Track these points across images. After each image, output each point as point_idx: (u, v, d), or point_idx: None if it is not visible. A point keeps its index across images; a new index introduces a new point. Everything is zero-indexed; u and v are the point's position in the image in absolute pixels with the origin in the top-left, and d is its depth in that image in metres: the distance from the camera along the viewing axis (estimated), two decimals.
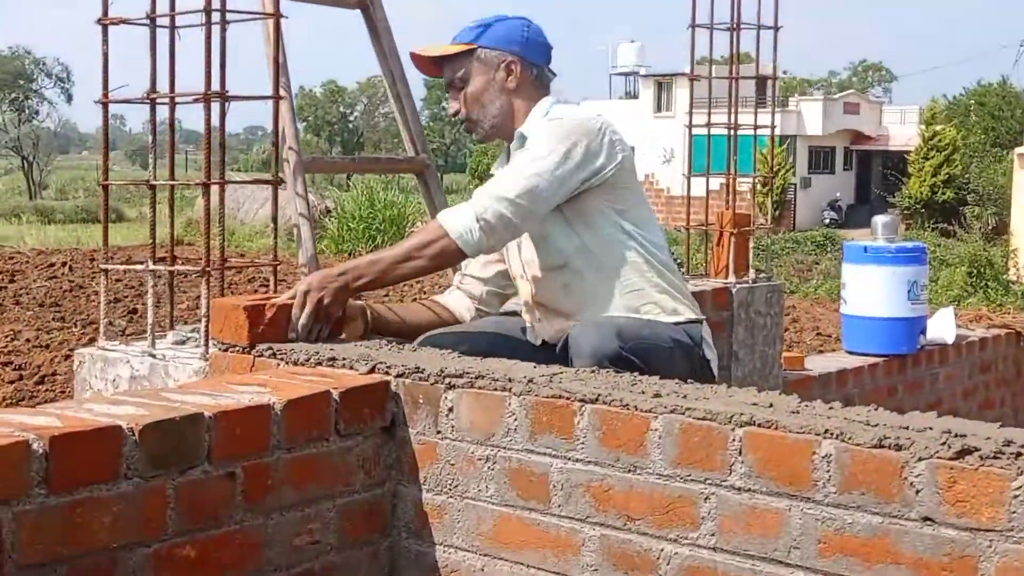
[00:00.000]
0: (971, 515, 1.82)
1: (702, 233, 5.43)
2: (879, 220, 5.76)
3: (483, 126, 3.11)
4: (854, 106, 44.80)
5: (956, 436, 1.85)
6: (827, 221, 39.70)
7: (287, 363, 2.68)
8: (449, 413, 2.41)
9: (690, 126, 5.29)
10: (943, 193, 37.27)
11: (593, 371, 2.40)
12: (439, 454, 2.44)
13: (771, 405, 2.10)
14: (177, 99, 3.19)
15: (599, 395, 2.21)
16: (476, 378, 2.38)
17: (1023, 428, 1.89)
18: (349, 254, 18.42)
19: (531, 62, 3.09)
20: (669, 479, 2.13)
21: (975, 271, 17.19)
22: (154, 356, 3.12)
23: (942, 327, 6.08)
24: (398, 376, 2.49)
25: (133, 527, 2.07)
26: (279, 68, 3.40)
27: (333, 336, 2.83)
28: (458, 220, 2.87)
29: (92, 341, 8.73)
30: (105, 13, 3.19)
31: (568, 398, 2.25)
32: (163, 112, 3.26)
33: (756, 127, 5.31)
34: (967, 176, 36.75)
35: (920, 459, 1.86)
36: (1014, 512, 1.78)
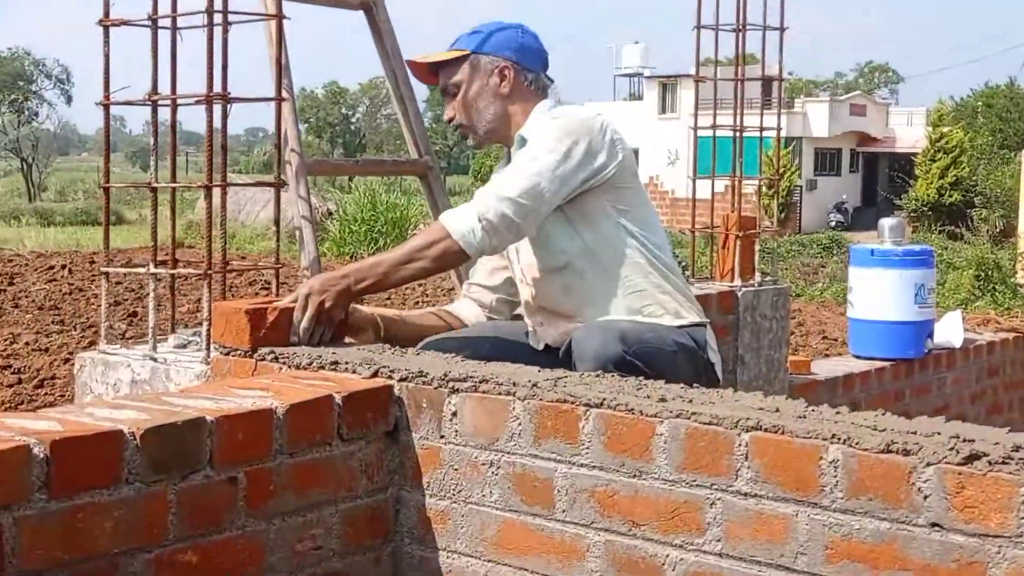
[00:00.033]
0: (979, 521, 1.80)
1: (707, 236, 5.42)
2: (886, 223, 5.74)
3: (478, 131, 3.12)
4: (860, 108, 44.73)
5: (964, 441, 1.84)
6: (833, 223, 39.65)
7: (289, 367, 2.66)
8: (453, 417, 2.40)
9: (695, 128, 5.27)
10: (950, 195, 37.20)
11: (598, 375, 2.39)
12: (442, 459, 2.42)
13: (777, 410, 2.08)
14: (179, 101, 3.18)
15: (604, 399, 2.19)
16: (480, 382, 2.36)
17: None
18: (351, 257, 18.42)
19: (526, 68, 3.10)
20: (674, 484, 2.11)
21: (983, 274, 17.14)
22: (155, 360, 3.11)
23: (950, 331, 6.06)
24: (401, 380, 2.47)
25: (134, 532, 2.05)
26: (281, 69, 3.39)
27: (335, 340, 2.82)
28: (460, 221, 2.85)
29: (92, 344, 8.73)
30: (106, 14, 3.19)
31: (573, 402, 2.23)
32: (164, 114, 3.25)
33: (762, 129, 5.29)
34: (974, 178, 36.69)
35: (928, 464, 1.85)
36: (1023, 518, 1.76)
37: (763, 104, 5.61)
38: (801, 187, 40.19)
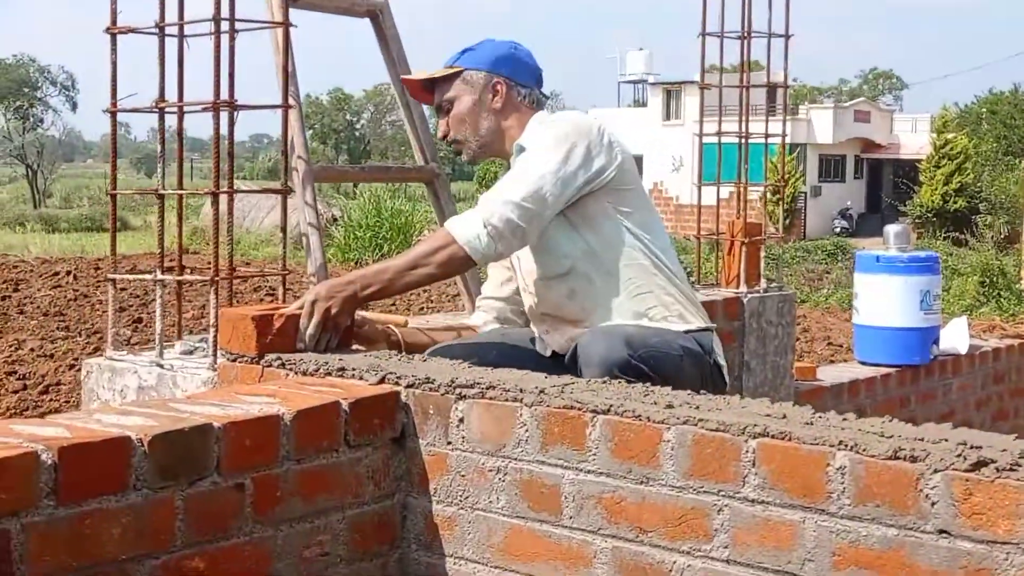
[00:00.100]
0: (987, 528, 1.80)
1: (712, 242, 5.42)
2: (891, 229, 5.73)
3: (471, 147, 3.14)
4: (865, 114, 44.70)
5: (972, 448, 1.84)
6: (838, 230, 39.60)
7: (296, 373, 2.67)
8: (460, 424, 2.40)
9: (700, 135, 5.28)
10: (955, 202, 37.17)
11: (605, 381, 2.39)
12: (449, 465, 2.42)
13: (784, 416, 2.08)
14: (185, 108, 3.18)
15: (611, 406, 2.19)
16: (487, 389, 2.36)
17: None
18: (356, 263, 18.43)
19: (519, 83, 3.12)
20: (682, 491, 2.11)
21: (987, 280, 17.12)
22: (162, 366, 3.11)
23: (955, 337, 6.05)
24: (408, 387, 2.48)
25: (142, 538, 2.05)
26: (288, 77, 3.40)
27: (342, 346, 2.82)
28: (466, 227, 2.86)
29: (96, 350, 8.75)
30: (114, 22, 3.19)
31: (580, 409, 2.23)
32: (170, 121, 3.25)
33: (767, 135, 5.29)
34: (979, 185, 36.65)
35: (936, 471, 1.84)
36: None
37: (768, 111, 5.60)
38: (805, 193, 40.13)
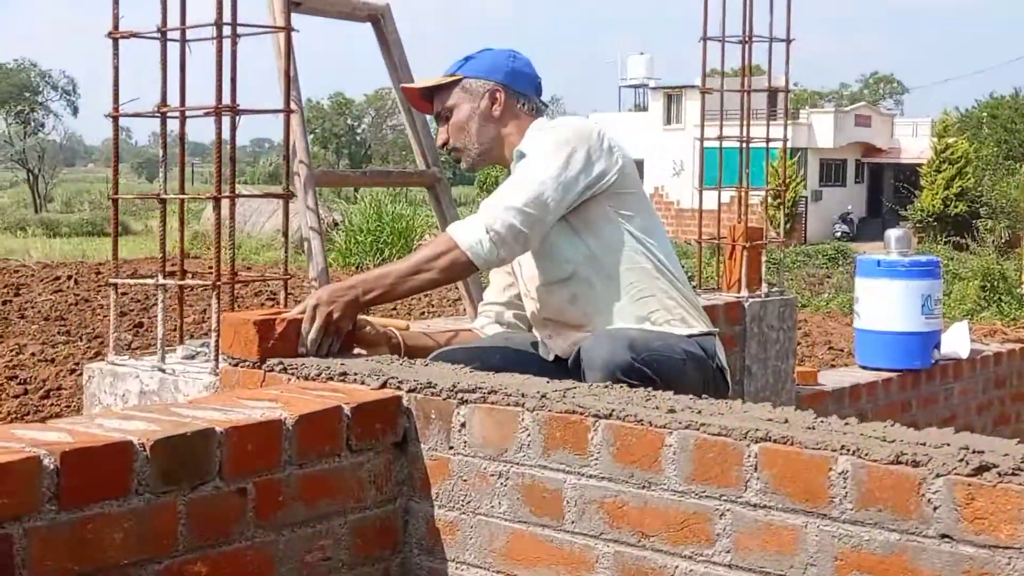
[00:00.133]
0: (990, 532, 1.80)
1: (713, 246, 5.42)
2: (892, 234, 5.74)
3: (470, 154, 3.15)
4: (865, 119, 44.70)
5: (974, 452, 1.84)
6: (838, 234, 39.60)
7: (298, 378, 2.67)
8: (461, 428, 2.40)
9: (701, 139, 5.28)
10: (955, 206, 37.17)
11: (607, 386, 2.39)
12: (451, 470, 2.42)
13: (786, 421, 2.08)
14: (188, 113, 3.18)
15: (613, 410, 2.19)
16: (489, 393, 2.36)
17: None
18: (357, 267, 18.44)
19: (517, 91, 3.14)
20: (684, 495, 2.11)
21: (988, 285, 17.11)
22: (164, 371, 3.11)
23: (956, 341, 6.05)
24: (410, 391, 2.48)
25: (144, 543, 2.05)
26: (290, 81, 3.40)
27: (344, 351, 2.82)
28: (468, 232, 2.86)
29: (97, 355, 8.76)
30: (116, 27, 3.19)
31: (582, 413, 2.23)
32: (172, 125, 3.26)
33: (768, 140, 5.30)
34: (980, 189, 36.63)
35: (938, 475, 1.84)
36: None
37: (769, 115, 5.61)
38: (806, 198, 40.14)
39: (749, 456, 2.03)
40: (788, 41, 5.19)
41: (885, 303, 5.57)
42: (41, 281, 13.98)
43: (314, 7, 3.94)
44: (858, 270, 5.81)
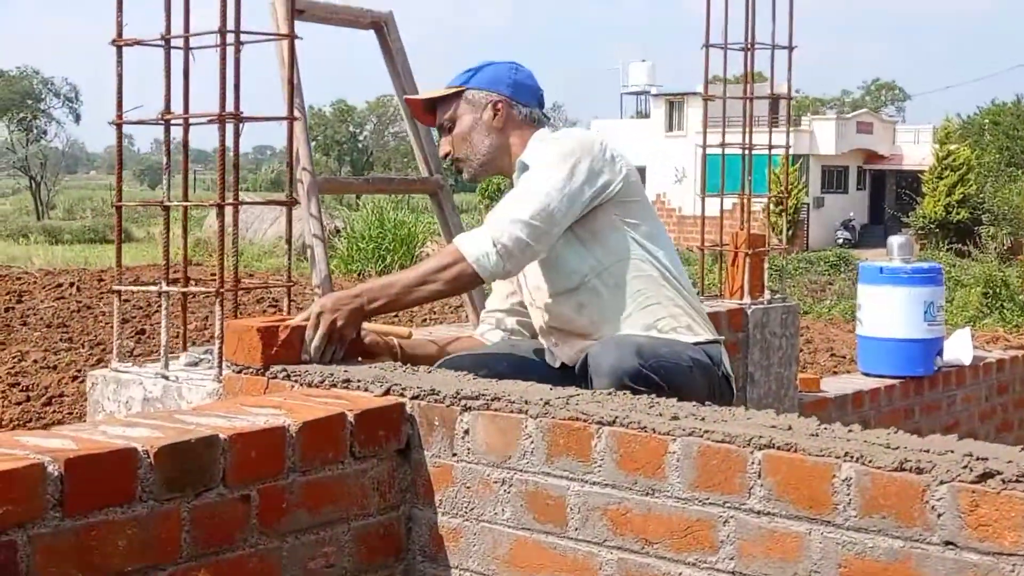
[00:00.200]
0: (994, 539, 1.80)
1: (715, 253, 5.42)
2: (895, 240, 5.73)
3: (472, 165, 3.17)
4: (867, 125, 44.74)
5: (978, 459, 1.84)
6: (840, 241, 39.61)
7: (301, 385, 2.67)
8: (465, 435, 2.40)
9: (704, 146, 5.28)
10: (957, 213, 37.18)
11: (610, 393, 2.39)
12: (455, 477, 2.42)
13: (790, 427, 2.08)
14: (191, 120, 3.19)
15: (616, 417, 2.19)
16: (492, 400, 2.36)
17: None
18: (359, 274, 18.45)
19: (519, 102, 3.15)
20: (687, 502, 2.11)
21: (991, 292, 17.12)
22: (167, 378, 3.11)
23: (959, 348, 6.05)
24: (413, 398, 2.48)
25: (148, 550, 2.05)
26: (293, 89, 3.41)
27: (347, 358, 2.82)
28: (475, 244, 2.87)
29: (100, 362, 8.76)
30: (120, 34, 3.20)
31: (585, 420, 2.23)
32: (175, 132, 3.26)
33: (770, 147, 5.30)
34: (982, 196, 36.66)
35: (942, 482, 1.84)
36: None
37: (771, 122, 5.61)
38: (808, 204, 40.16)
39: (753, 463, 2.03)
40: (790, 48, 5.19)
41: (888, 310, 5.57)
42: (43, 288, 13.99)
43: (317, 15, 3.95)
44: (860, 277, 5.81)
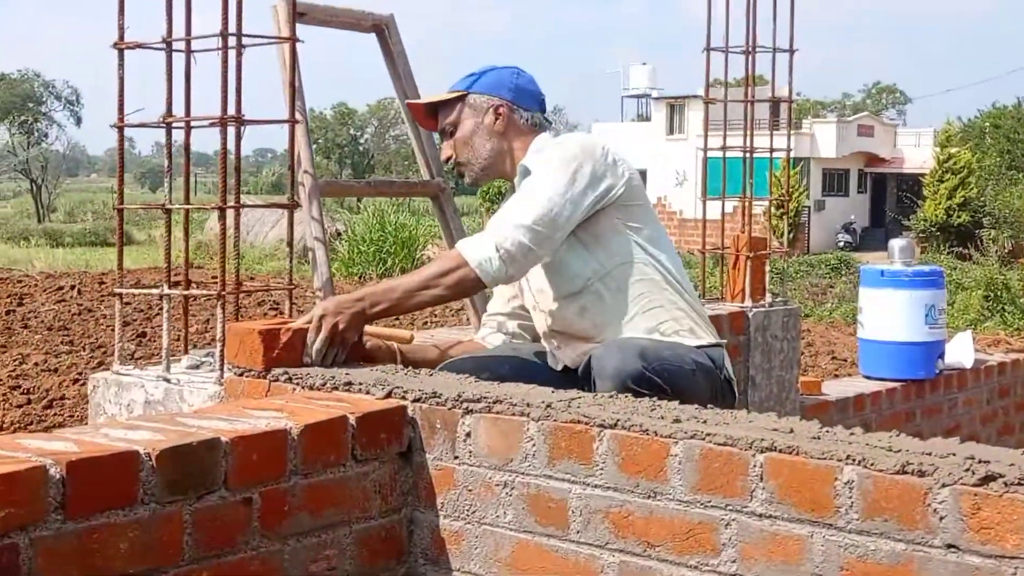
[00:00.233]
0: (996, 542, 1.80)
1: (716, 256, 5.42)
2: (896, 244, 5.73)
3: (473, 169, 3.17)
4: (868, 128, 44.72)
5: (980, 462, 1.84)
6: (841, 244, 39.59)
7: (303, 388, 2.67)
8: (466, 438, 2.40)
9: (705, 149, 5.28)
10: (958, 216, 37.17)
11: (612, 396, 2.39)
12: (456, 480, 2.42)
13: (792, 430, 2.08)
14: (193, 123, 3.19)
15: (618, 420, 2.19)
16: (494, 403, 2.36)
17: None
18: (360, 277, 18.45)
19: (521, 107, 3.16)
20: (689, 505, 2.11)
21: (992, 295, 17.11)
22: (169, 381, 3.11)
23: (960, 351, 6.04)
24: (415, 401, 2.48)
25: (150, 553, 2.06)
26: (295, 92, 3.41)
27: (349, 362, 2.82)
28: (478, 249, 2.87)
29: (100, 365, 8.76)
30: (121, 38, 3.20)
31: (587, 423, 2.23)
32: (177, 135, 3.26)
33: (771, 150, 5.30)
34: (983, 199, 36.63)
35: (944, 485, 1.84)
36: None
37: (772, 125, 5.61)
38: (809, 208, 40.16)
39: (755, 466, 2.03)
40: (791, 51, 5.20)
41: (889, 313, 5.56)
42: (44, 291, 13.99)
43: (319, 18, 3.95)
44: (862, 280, 5.80)
